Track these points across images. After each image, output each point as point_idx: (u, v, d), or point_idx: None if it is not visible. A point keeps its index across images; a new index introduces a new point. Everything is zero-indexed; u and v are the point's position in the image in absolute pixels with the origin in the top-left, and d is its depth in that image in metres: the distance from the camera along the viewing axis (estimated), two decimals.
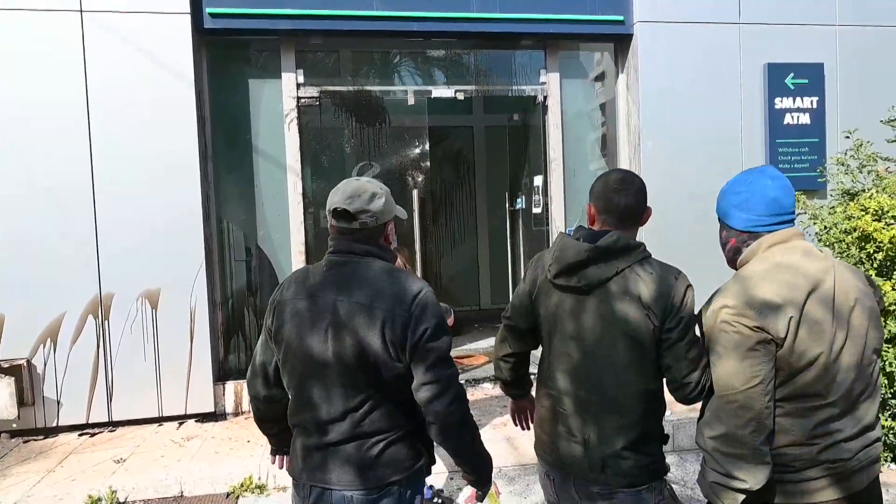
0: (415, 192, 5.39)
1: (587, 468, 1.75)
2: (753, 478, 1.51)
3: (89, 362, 4.50)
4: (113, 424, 4.56)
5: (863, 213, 3.50)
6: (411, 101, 5.29)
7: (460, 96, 5.37)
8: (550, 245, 2.00)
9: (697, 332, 1.72)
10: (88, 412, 4.50)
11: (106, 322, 4.52)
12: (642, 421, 1.74)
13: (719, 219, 1.80)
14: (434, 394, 1.66)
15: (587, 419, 1.75)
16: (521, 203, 6.38)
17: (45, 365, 4.43)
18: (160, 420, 4.62)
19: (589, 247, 1.73)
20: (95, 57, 4.45)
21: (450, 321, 3.94)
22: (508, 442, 3.90)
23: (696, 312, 1.73)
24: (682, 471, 3.85)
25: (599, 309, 1.73)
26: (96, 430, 4.51)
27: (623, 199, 1.82)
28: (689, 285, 1.75)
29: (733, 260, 1.77)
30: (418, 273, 5.37)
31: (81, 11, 4.43)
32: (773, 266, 1.61)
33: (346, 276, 1.71)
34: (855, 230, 3.45)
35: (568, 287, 1.77)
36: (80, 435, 4.44)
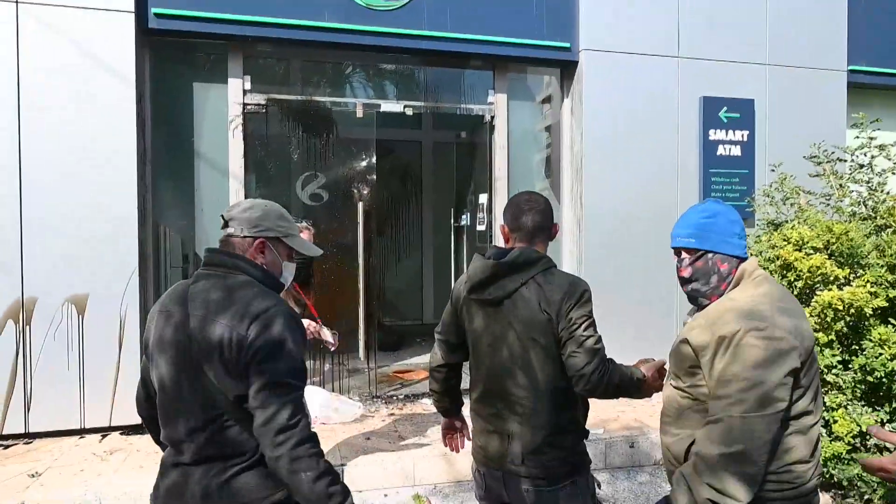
0: (360, 205, 5.36)
1: (510, 462, 1.95)
2: (748, 495, 1.54)
3: (6, 369, 4.25)
4: (29, 436, 4.32)
5: (785, 242, 3.70)
6: (360, 113, 5.29)
7: (409, 111, 5.41)
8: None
9: (591, 331, 1.91)
10: (2, 423, 4.25)
11: (28, 327, 4.29)
12: (555, 417, 1.94)
13: (705, 251, 1.76)
14: (260, 421, 1.52)
15: (507, 417, 1.97)
16: (466, 220, 6.45)
17: None
18: (82, 432, 4.40)
19: (494, 263, 1.96)
20: (30, 52, 4.27)
21: (332, 344, 3.84)
22: (444, 458, 3.90)
23: (590, 311, 1.93)
24: (613, 488, 3.94)
25: (508, 317, 1.95)
26: (11, 442, 4.25)
27: (530, 218, 2.02)
28: (587, 289, 1.95)
29: (717, 289, 1.76)
30: (360, 286, 5.34)
31: (17, 2, 4.24)
32: (777, 289, 1.71)
33: (204, 289, 1.64)
34: (778, 258, 3.64)
35: (481, 300, 2.00)
36: None
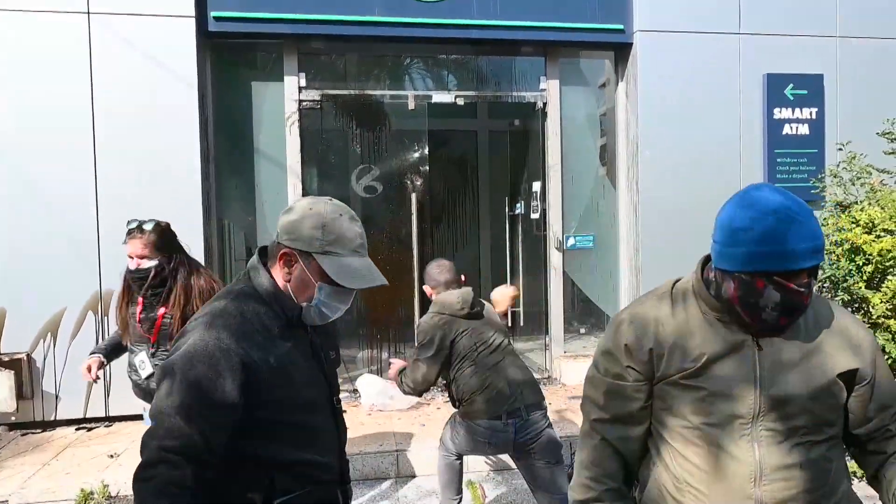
0: (413, 196, 5.43)
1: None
2: None
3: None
4: (109, 419, 4.62)
5: (853, 225, 3.51)
6: (412, 105, 5.34)
7: (460, 101, 5.42)
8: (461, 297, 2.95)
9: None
10: (86, 407, 4.57)
11: (105, 318, 4.58)
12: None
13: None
14: None
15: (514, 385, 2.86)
16: (520, 208, 6.41)
17: (44, 359, 4.51)
18: None
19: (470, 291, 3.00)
20: (101, 59, 4.53)
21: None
22: None
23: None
24: None
25: (486, 321, 2.97)
26: (93, 425, 4.57)
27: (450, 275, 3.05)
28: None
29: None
30: (415, 276, 5.41)
31: (89, 14, 4.51)
32: None
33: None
34: (845, 242, 3.46)
35: (471, 314, 2.92)
36: (77, 429, 4.51)
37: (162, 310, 2.67)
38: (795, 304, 1.20)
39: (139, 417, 4.63)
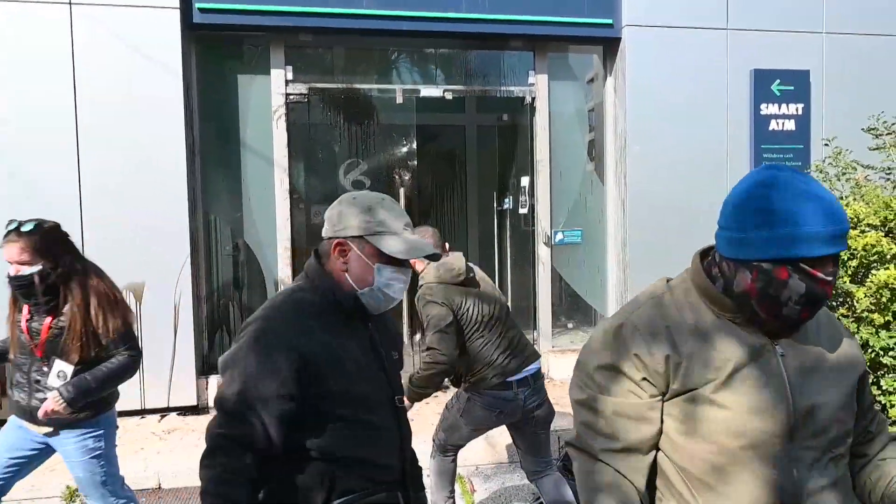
0: (402, 190, 5.41)
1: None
2: None
3: None
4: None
5: None
6: (400, 99, 5.31)
7: (448, 96, 5.40)
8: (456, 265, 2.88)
9: None
10: None
11: None
12: None
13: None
14: None
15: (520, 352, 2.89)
16: (508, 203, 6.41)
17: None
18: (142, 412, 4.64)
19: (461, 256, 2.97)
20: (84, 50, 4.46)
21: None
22: (485, 440, 3.92)
23: None
24: None
25: (484, 288, 2.99)
26: None
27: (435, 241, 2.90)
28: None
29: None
30: None
31: (71, 4, 4.43)
32: None
33: None
34: None
35: (468, 280, 2.90)
36: None
37: (49, 319, 2.35)
38: (820, 296, 1.04)
39: (125, 413, 4.58)
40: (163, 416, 4.62)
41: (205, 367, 4.93)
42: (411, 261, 2.91)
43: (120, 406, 4.52)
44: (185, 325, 4.65)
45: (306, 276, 1.53)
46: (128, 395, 4.53)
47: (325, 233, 1.52)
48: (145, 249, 4.55)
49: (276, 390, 1.36)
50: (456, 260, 2.88)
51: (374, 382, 1.51)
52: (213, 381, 4.80)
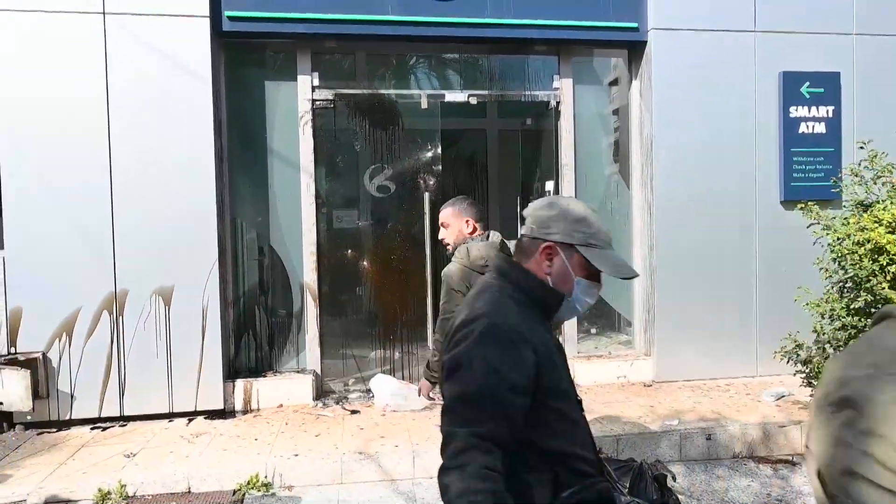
0: (426, 195, 5.41)
1: None
2: None
3: (103, 357, 4.57)
4: (124, 419, 4.63)
5: (876, 224, 3.47)
6: (424, 104, 5.33)
7: (473, 101, 5.40)
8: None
9: None
10: (101, 406, 4.58)
11: (120, 318, 4.59)
12: None
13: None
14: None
15: None
16: None
17: (59, 359, 4.52)
18: (170, 416, 4.68)
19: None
20: (116, 58, 4.54)
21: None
22: None
23: None
24: (689, 481, 3.83)
25: None
26: (108, 424, 4.58)
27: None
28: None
29: None
30: (428, 276, 5.39)
31: (104, 14, 4.52)
32: None
33: (468, 295, 1.62)
34: (868, 242, 3.42)
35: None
36: (93, 429, 4.51)
37: None
38: None
39: (155, 417, 4.66)
40: (191, 420, 4.66)
41: (231, 372, 4.97)
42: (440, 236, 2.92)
43: (148, 409, 4.64)
44: (212, 328, 4.69)
45: (502, 275, 1.50)
46: (156, 397, 4.63)
47: (529, 231, 1.50)
48: (174, 254, 4.61)
49: (523, 382, 1.33)
50: (484, 247, 2.84)
51: (568, 378, 1.52)
52: (240, 385, 4.84)
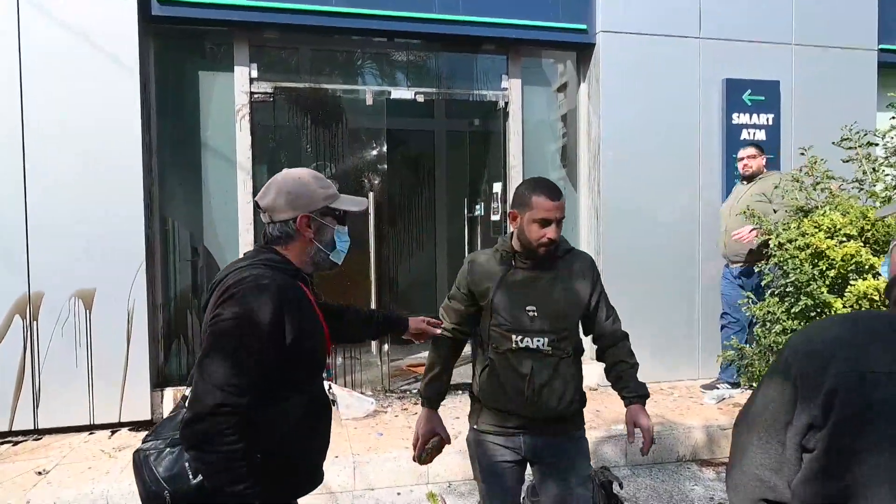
0: (370, 195, 5.23)
1: None
2: None
3: (15, 366, 4.19)
4: (38, 432, 4.26)
5: (816, 229, 3.51)
6: (370, 101, 5.15)
7: (420, 98, 5.26)
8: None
9: None
10: (12, 419, 4.20)
11: (35, 323, 4.23)
12: None
13: None
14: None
15: None
16: (479, 210, 6.29)
17: None
18: (91, 428, 4.34)
19: None
20: (32, 42, 4.17)
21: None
22: (460, 455, 3.77)
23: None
24: (635, 486, 3.79)
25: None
26: (20, 439, 4.20)
27: None
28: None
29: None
30: (371, 278, 5.22)
31: None
32: None
33: None
34: (808, 247, 3.46)
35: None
36: (2, 443, 4.13)
37: None
38: None
39: (72, 429, 4.30)
40: (114, 432, 4.33)
41: (160, 379, 4.66)
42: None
43: (66, 421, 4.27)
44: (139, 334, 4.38)
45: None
46: (75, 409, 4.28)
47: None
48: (96, 254, 4.27)
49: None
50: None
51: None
52: (170, 394, 4.54)
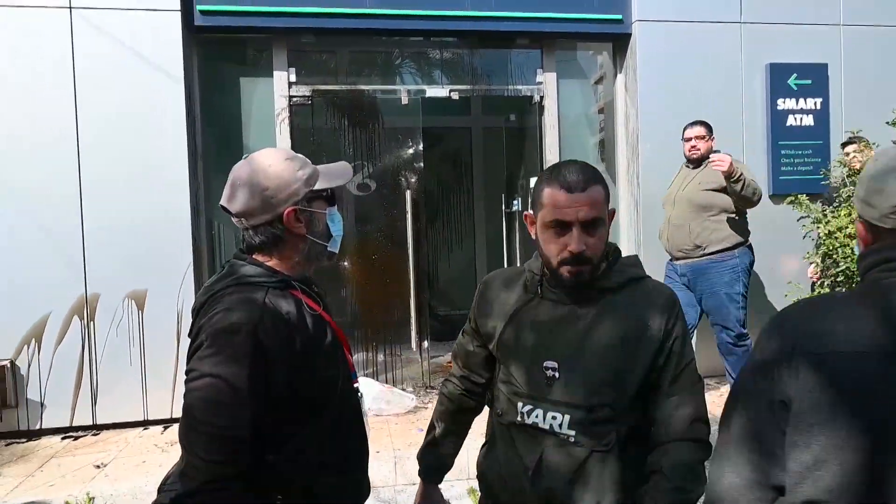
0: (408, 193, 5.28)
1: None
2: None
3: (74, 364, 4.41)
4: (97, 427, 4.47)
5: None
6: (405, 100, 5.20)
7: (455, 96, 5.28)
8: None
9: None
10: (73, 415, 4.42)
11: (91, 323, 4.44)
12: None
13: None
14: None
15: None
16: (517, 205, 6.28)
17: (28, 366, 4.35)
18: (145, 424, 4.53)
19: None
20: (84, 55, 4.38)
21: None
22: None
23: None
24: None
25: None
26: (80, 434, 4.42)
27: None
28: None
29: None
30: (411, 275, 5.27)
31: (70, 8, 4.36)
32: None
33: None
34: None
35: None
36: (64, 438, 4.35)
37: None
38: None
39: (128, 425, 4.50)
40: (166, 428, 4.51)
41: None
42: None
43: (122, 417, 4.47)
44: (187, 333, 4.53)
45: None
46: (130, 405, 4.47)
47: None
48: (148, 257, 4.45)
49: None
50: None
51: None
52: None
